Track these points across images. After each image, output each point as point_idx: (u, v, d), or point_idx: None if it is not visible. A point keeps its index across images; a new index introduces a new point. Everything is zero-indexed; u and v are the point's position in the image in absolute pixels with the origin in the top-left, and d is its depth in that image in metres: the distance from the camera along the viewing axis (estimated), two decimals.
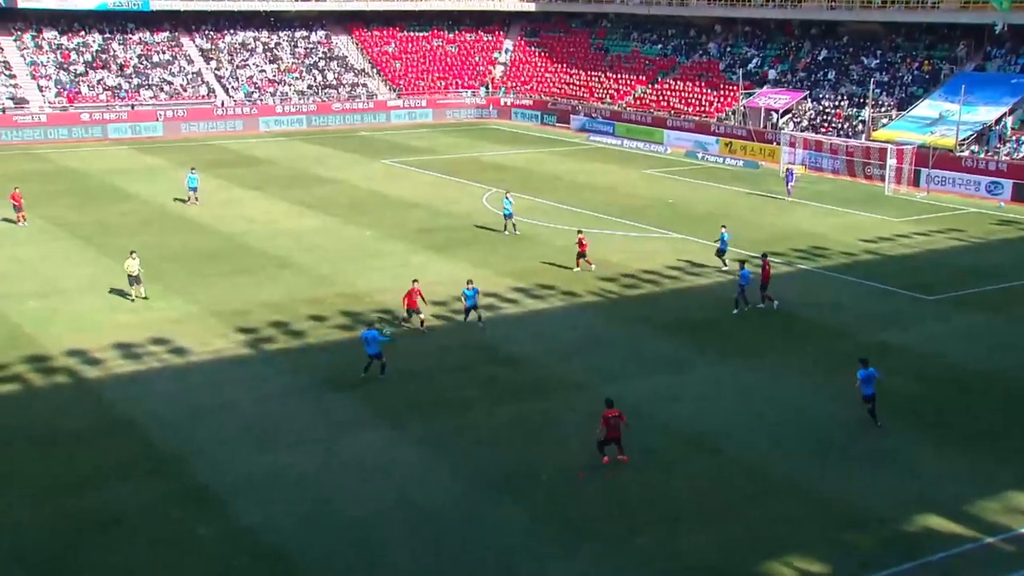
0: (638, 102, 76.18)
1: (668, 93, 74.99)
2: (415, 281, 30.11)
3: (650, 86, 77.30)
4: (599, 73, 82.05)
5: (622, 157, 64.87)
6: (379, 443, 22.67)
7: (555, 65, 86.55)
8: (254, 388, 25.81)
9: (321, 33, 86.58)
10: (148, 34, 79.70)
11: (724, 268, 36.85)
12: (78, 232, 41.75)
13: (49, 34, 76.10)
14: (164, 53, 78.74)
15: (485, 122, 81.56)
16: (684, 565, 17.82)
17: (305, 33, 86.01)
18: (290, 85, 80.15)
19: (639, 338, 29.69)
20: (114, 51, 77.19)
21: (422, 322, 30.06)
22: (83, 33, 77.42)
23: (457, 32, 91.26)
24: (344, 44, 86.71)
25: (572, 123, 77.47)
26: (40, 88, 71.60)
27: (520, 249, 39.88)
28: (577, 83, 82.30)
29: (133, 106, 72.54)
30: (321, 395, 25.39)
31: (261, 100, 77.62)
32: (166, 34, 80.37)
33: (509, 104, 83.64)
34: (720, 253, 37.09)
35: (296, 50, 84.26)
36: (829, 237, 42.60)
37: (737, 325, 30.98)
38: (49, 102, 70.76)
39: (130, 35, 79.04)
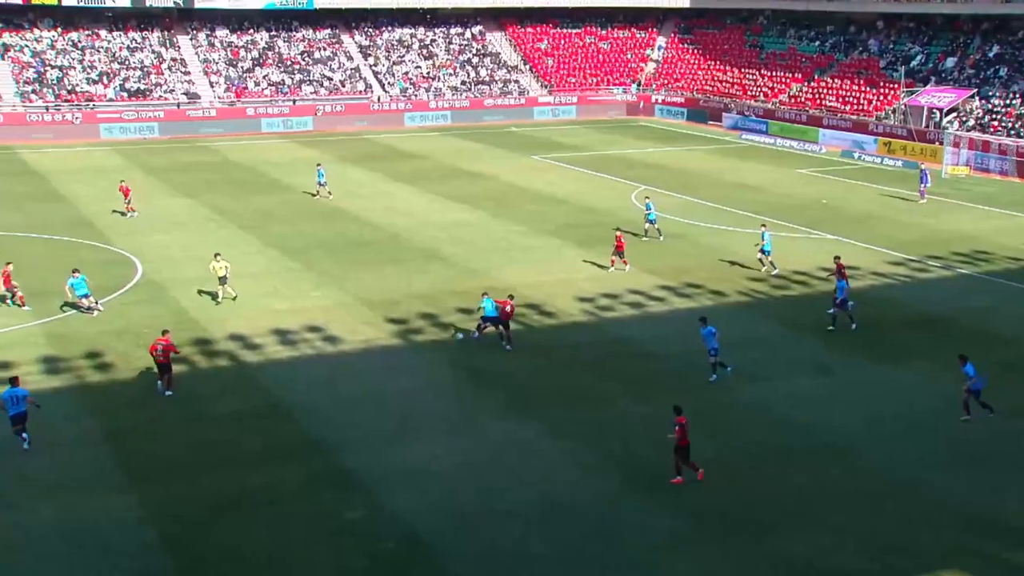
0: (793, 100, 74.12)
1: (824, 91, 72.68)
2: (511, 297, 28.92)
3: (806, 84, 75.10)
4: (753, 71, 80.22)
5: (775, 156, 63.27)
6: (523, 436, 22.78)
7: (708, 62, 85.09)
8: (403, 378, 26.33)
9: (476, 29, 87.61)
10: (311, 31, 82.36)
11: (774, 271, 35.23)
12: (240, 220, 43.48)
13: (221, 32, 79.59)
14: (325, 50, 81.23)
15: (635, 119, 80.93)
16: (816, 568, 17.26)
17: (460, 30, 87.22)
18: (443, 81, 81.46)
19: (784, 340, 28.91)
20: (279, 48, 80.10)
21: (508, 339, 28.33)
22: (252, 31, 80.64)
23: (609, 29, 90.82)
24: (498, 41, 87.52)
25: (724, 121, 76.03)
26: (211, 84, 74.98)
27: (667, 247, 39.40)
28: (730, 80, 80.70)
29: (295, 101, 75.10)
30: (468, 387, 25.69)
31: (415, 96, 79.17)
32: (328, 31, 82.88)
33: (660, 101, 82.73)
34: (764, 253, 35.41)
35: (451, 47, 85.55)
36: (992, 240, 40.47)
37: (888, 329, 29.77)
38: (218, 97, 74.03)
39: (294, 32, 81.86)
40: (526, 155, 62.85)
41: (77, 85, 70.67)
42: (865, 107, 68.52)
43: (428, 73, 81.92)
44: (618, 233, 36.50)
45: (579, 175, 55.95)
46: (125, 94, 71.40)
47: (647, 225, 40.84)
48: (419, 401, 24.81)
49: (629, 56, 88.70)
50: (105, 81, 71.71)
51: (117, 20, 76.65)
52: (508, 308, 28.36)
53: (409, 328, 30.02)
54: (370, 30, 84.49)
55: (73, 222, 42.47)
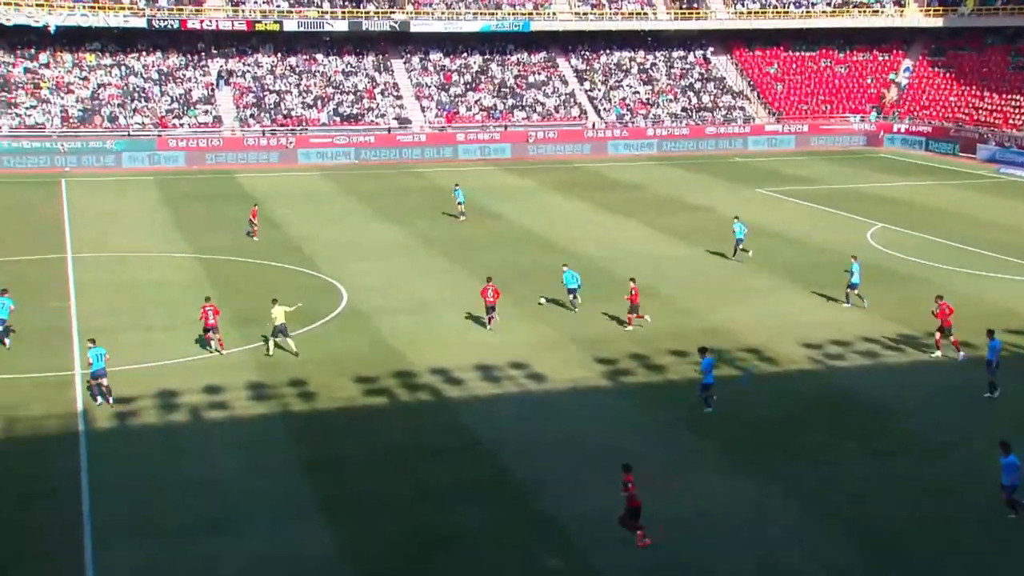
0: None
1: None
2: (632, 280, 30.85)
3: None
4: (1017, 96, 75.84)
5: None
6: (741, 492, 22.29)
7: (962, 87, 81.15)
8: (609, 421, 26.33)
9: (699, 53, 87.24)
10: (526, 55, 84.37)
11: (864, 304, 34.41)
12: (445, 248, 44.82)
13: (435, 56, 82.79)
14: (539, 74, 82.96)
15: (872, 150, 78.12)
16: None
17: (683, 53, 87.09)
18: (663, 107, 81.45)
19: None
20: (492, 72, 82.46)
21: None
22: (465, 55, 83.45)
23: (848, 52, 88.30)
24: (723, 65, 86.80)
25: (978, 153, 72.17)
26: (422, 108, 78.03)
27: (909, 292, 37.67)
28: (988, 107, 76.64)
29: (506, 127, 77.00)
30: (678, 435, 25.42)
31: (632, 122, 79.51)
32: (543, 55, 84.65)
33: (902, 130, 79.53)
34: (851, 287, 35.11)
35: (672, 71, 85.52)
36: None
37: None
38: (429, 122, 76.91)
39: (508, 56, 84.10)
40: (749, 187, 61.80)
41: (293, 109, 75.19)
42: None
43: (647, 99, 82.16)
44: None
45: (808, 210, 54.49)
46: (338, 118, 75.35)
47: (736, 245, 42.41)
48: (627, 446, 24.68)
49: (869, 81, 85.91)
50: (319, 105, 75.94)
51: (334, 44, 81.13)
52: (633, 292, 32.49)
53: (618, 369, 30.01)
54: (587, 53, 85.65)
55: (282, 247, 45.01)
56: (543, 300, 35.25)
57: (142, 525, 20.80)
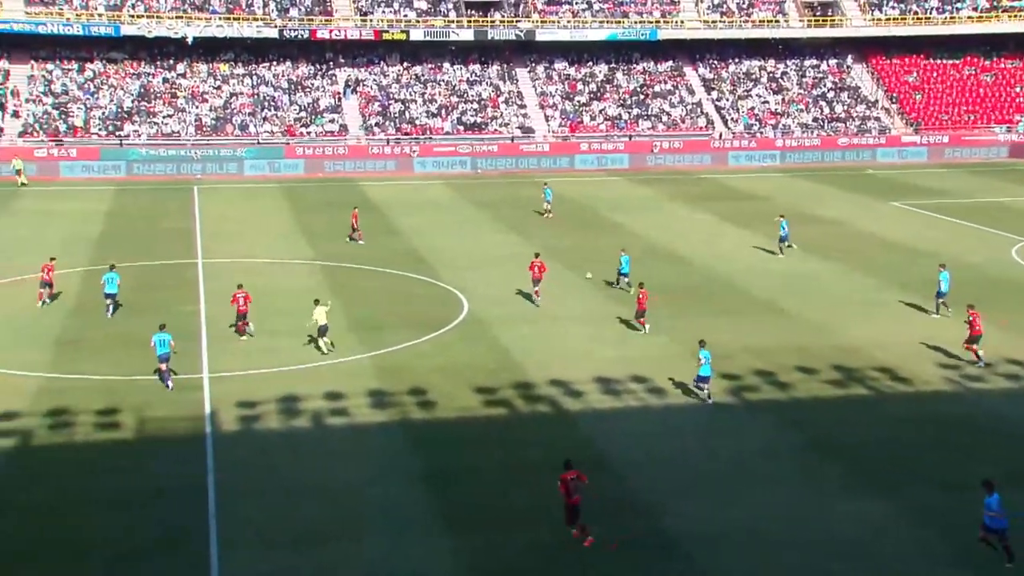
0: None
1: None
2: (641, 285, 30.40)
3: None
4: None
5: None
6: (869, 516, 21.71)
7: None
8: (733, 439, 25.97)
9: (833, 61, 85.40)
10: (652, 64, 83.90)
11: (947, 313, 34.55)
12: (566, 259, 44.66)
13: (559, 65, 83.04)
14: (665, 83, 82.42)
15: (1017, 162, 75.23)
16: None
17: (815, 62, 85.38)
18: (793, 117, 79.99)
19: None
20: (617, 81, 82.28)
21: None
22: (591, 63, 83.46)
23: (995, 59, 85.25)
24: (858, 73, 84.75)
25: None
26: (546, 117, 78.33)
27: None
28: None
29: (631, 137, 76.72)
30: (805, 454, 24.93)
31: (760, 132, 78.30)
32: (670, 63, 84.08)
33: None
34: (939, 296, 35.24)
35: (803, 80, 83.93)
36: None
37: None
38: (552, 131, 77.15)
39: (635, 65, 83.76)
40: (883, 200, 60.18)
41: (417, 118, 76.40)
42: None
43: (776, 108, 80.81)
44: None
45: (947, 224, 52.78)
46: (461, 127, 76.23)
47: (781, 244, 45.20)
48: (749, 465, 24.32)
49: (1018, 90, 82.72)
50: (443, 114, 76.98)
51: (459, 53, 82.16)
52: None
53: (743, 385, 29.56)
54: (715, 62, 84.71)
55: (404, 255, 45.69)
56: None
57: (265, 531, 21.32)
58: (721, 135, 78.02)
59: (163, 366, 29.13)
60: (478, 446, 25.65)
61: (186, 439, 25.86)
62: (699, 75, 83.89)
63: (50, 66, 75.29)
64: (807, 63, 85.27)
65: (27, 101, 72.22)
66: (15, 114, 70.67)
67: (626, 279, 38.97)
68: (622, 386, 29.52)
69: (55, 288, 37.66)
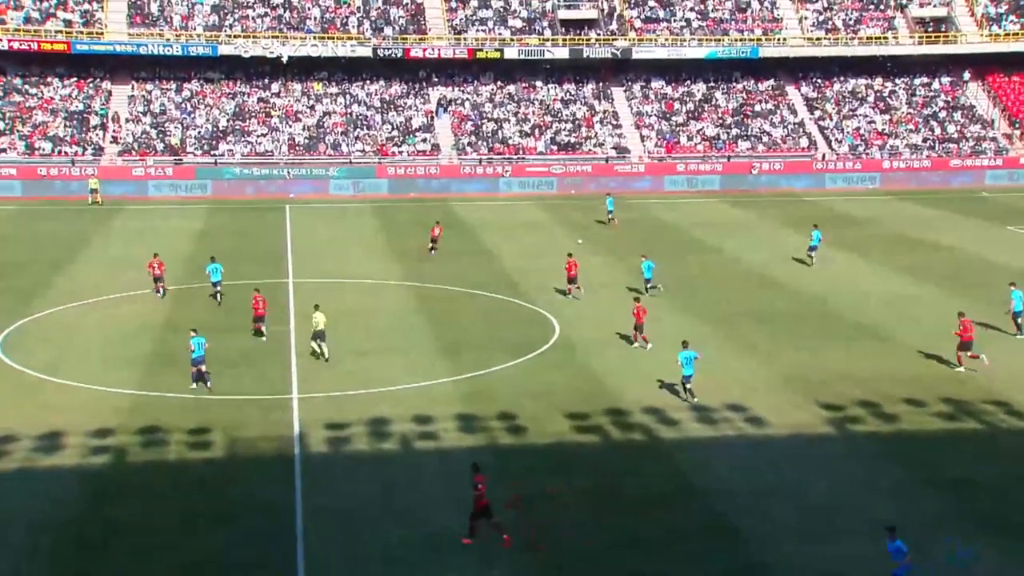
0: None
1: None
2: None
3: None
4: None
5: None
6: (984, 556, 21.11)
7: None
8: (833, 471, 25.53)
9: (946, 79, 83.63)
10: (752, 82, 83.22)
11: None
12: (662, 282, 44.48)
13: (656, 83, 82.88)
14: (766, 103, 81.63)
15: None
16: None
17: (926, 80, 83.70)
18: (902, 138, 78.49)
19: None
20: (716, 100, 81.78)
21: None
22: (688, 83, 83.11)
23: None
24: (973, 92, 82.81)
25: None
26: (642, 137, 78.18)
27: None
28: None
29: (729, 158, 76.13)
30: (914, 494, 24.38)
31: (867, 154, 77.00)
32: (771, 82, 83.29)
33: None
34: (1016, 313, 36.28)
35: (913, 99, 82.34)
36: None
37: None
38: (648, 152, 76.96)
39: (734, 84, 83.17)
40: (999, 225, 58.67)
41: (510, 137, 76.92)
42: None
43: (883, 128, 79.38)
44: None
45: None
46: (555, 147, 76.52)
47: (810, 253, 47.77)
48: (850, 500, 23.90)
49: None
50: (536, 134, 77.37)
51: (554, 72, 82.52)
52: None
53: (845, 416, 29.06)
54: (819, 80, 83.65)
55: (495, 276, 45.96)
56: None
57: (352, 552, 21.62)
58: (824, 156, 76.89)
59: (198, 368, 30.89)
60: (567, 473, 25.59)
61: (275, 459, 26.36)
62: (802, 94, 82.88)
63: (149, 86, 77.80)
64: (917, 81, 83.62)
65: (127, 121, 74.69)
66: (114, 139, 73.07)
67: (649, 284, 42.16)
68: (718, 414, 29.24)
69: (165, 282, 42.36)
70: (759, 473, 25.45)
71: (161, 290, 41.99)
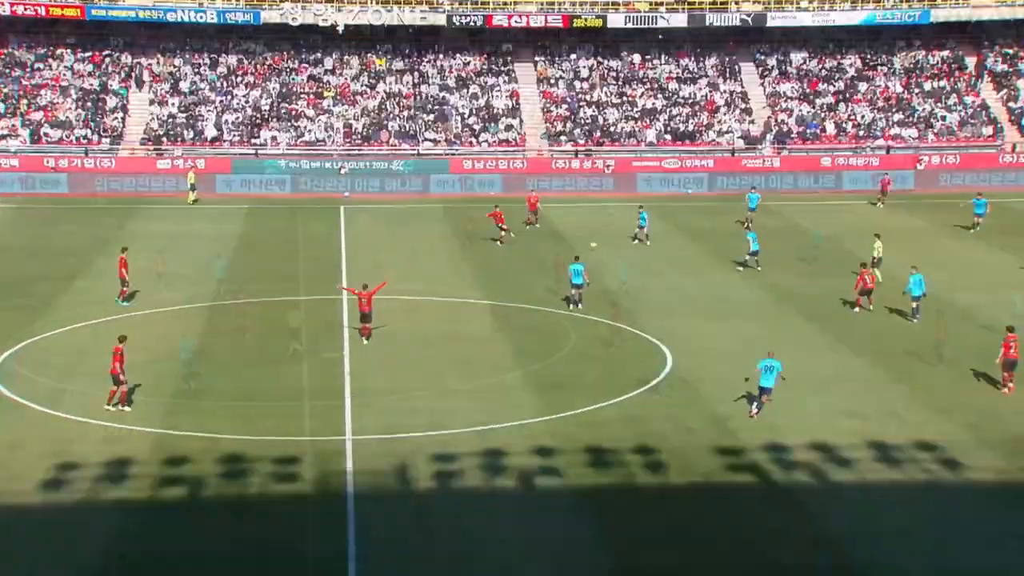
0: None
1: None
2: None
3: None
4: None
5: None
6: None
7: None
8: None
9: None
10: (922, 54, 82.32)
11: None
12: (811, 310, 44.29)
13: (797, 57, 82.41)
14: (939, 79, 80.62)
15: None
16: None
17: None
18: None
19: None
20: (873, 77, 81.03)
21: None
22: (838, 56, 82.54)
23: None
24: None
25: None
26: (776, 124, 77.71)
27: None
28: None
29: (888, 150, 75.40)
30: None
31: None
32: (945, 54, 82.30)
33: None
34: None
35: None
36: None
37: None
38: (783, 142, 76.46)
39: (897, 55, 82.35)
40: None
41: (614, 125, 77.12)
42: None
43: None
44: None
45: None
46: (669, 136, 76.54)
47: (636, 230, 54.18)
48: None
49: None
50: (647, 120, 77.45)
51: (668, 44, 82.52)
52: None
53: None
54: (1011, 50, 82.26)
55: (597, 296, 45.99)
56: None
57: None
58: (1015, 147, 75.71)
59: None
60: (679, 539, 25.74)
61: (325, 508, 26.96)
62: (986, 68, 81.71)
63: (178, 61, 79.60)
64: None
65: (151, 103, 76.52)
66: (145, 131, 74.84)
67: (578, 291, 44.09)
68: (869, 468, 29.17)
69: (130, 285, 44.10)
70: (909, 532, 25.41)
71: (124, 296, 44.01)
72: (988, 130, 77.08)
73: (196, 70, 79.24)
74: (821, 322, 42.52)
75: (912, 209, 65.93)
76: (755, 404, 32.57)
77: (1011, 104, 78.94)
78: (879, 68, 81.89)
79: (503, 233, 56.16)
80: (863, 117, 78.07)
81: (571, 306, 43.94)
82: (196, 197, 67.81)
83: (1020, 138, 76.67)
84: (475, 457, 29.79)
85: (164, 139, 73.73)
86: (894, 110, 78.55)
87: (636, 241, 57.07)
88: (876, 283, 44.51)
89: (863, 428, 31.74)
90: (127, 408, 32.59)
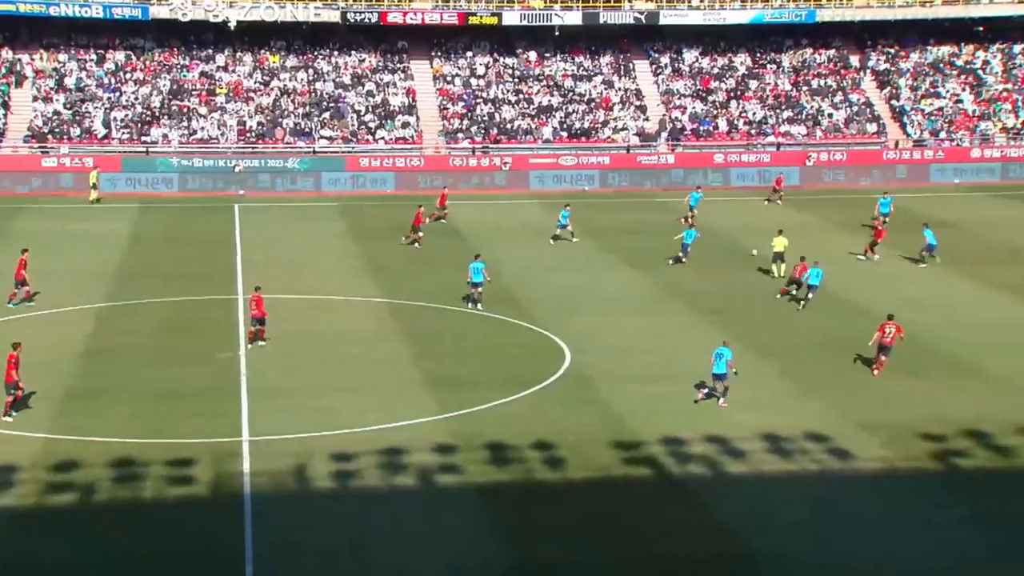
0: None
1: None
2: None
3: None
4: None
5: None
6: None
7: None
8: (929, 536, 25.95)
9: None
10: (809, 52, 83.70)
11: None
12: (703, 304, 44.82)
13: (689, 55, 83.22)
14: (825, 78, 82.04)
15: None
16: None
17: None
18: (995, 120, 78.87)
19: None
20: (763, 76, 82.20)
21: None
22: (729, 54, 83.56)
23: None
24: None
25: None
26: (671, 121, 78.50)
27: None
28: None
29: (778, 147, 76.50)
30: (1001, 548, 24.95)
31: (953, 141, 77.46)
32: (831, 53, 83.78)
33: None
34: None
35: (1012, 72, 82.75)
36: None
37: None
38: (678, 139, 77.23)
39: (785, 54, 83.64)
40: None
41: (510, 122, 77.27)
42: None
43: (973, 110, 79.77)
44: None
45: None
46: (565, 134, 76.89)
47: (558, 230, 54.39)
48: (944, 546, 24.60)
49: None
50: (543, 118, 77.72)
51: (564, 42, 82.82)
52: None
53: (944, 468, 29.42)
54: (891, 50, 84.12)
55: (493, 293, 46.07)
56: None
57: None
58: (898, 144, 77.30)
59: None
60: (579, 534, 25.82)
61: (221, 508, 26.65)
62: (869, 67, 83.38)
63: (63, 56, 78.12)
64: (1017, 48, 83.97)
65: (35, 100, 74.99)
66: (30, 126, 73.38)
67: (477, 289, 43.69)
68: (765, 461, 29.54)
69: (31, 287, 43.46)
70: (819, 538, 25.80)
71: (19, 298, 43.21)
72: (872, 127, 78.59)
73: (82, 66, 77.80)
74: (714, 316, 43.05)
75: (800, 205, 66.89)
76: (704, 390, 33.72)
77: (893, 102, 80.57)
78: (768, 66, 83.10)
79: (418, 234, 55.51)
80: (754, 114, 79.15)
81: (470, 304, 43.80)
82: (98, 196, 66.69)
83: (902, 135, 78.25)
84: (373, 456, 29.67)
85: (49, 136, 72.28)
86: (783, 107, 79.74)
87: (556, 241, 56.56)
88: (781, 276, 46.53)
89: (756, 421, 32.11)
90: (8, 419, 31.77)
